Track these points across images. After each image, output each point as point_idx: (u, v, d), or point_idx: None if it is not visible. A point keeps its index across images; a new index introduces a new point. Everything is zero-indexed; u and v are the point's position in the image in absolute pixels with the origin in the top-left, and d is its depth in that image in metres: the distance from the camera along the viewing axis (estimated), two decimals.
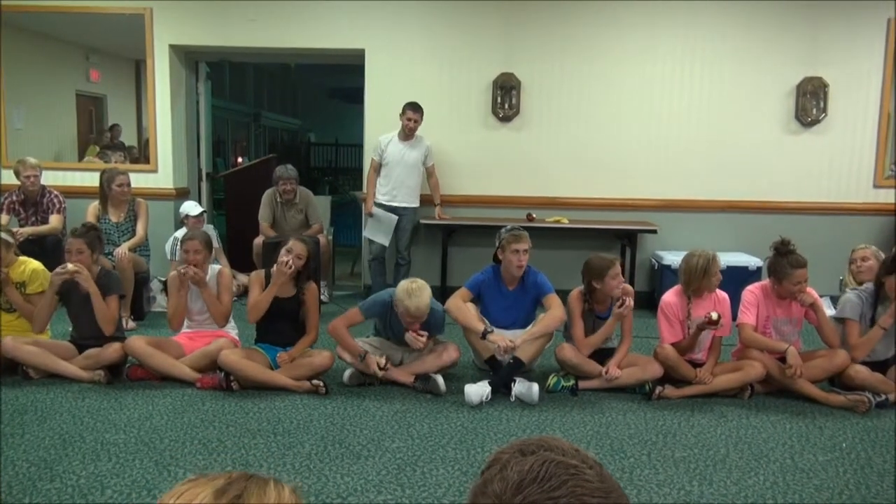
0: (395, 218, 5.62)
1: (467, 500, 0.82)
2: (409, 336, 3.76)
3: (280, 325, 3.90)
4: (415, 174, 5.66)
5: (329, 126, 15.29)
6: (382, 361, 3.77)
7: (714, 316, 3.66)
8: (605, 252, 4.31)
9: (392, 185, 5.65)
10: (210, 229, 5.99)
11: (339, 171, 14.87)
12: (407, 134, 5.59)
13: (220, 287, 4.02)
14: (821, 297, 3.90)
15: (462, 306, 3.96)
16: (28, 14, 5.99)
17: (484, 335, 3.81)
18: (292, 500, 0.79)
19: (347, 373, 3.91)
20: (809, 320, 3.87)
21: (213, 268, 4.07)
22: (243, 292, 5.84)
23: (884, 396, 3.64)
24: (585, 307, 3.89)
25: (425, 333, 3.79)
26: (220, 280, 4.03)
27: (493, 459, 0.82)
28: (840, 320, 3.87)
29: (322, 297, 5.48)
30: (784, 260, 3.75)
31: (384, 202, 5.68)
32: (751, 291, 3.91)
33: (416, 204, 5.75)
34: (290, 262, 3.79)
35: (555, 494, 0.73)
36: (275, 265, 3.85)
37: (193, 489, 0.79)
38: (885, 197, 5.96)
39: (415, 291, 3.64)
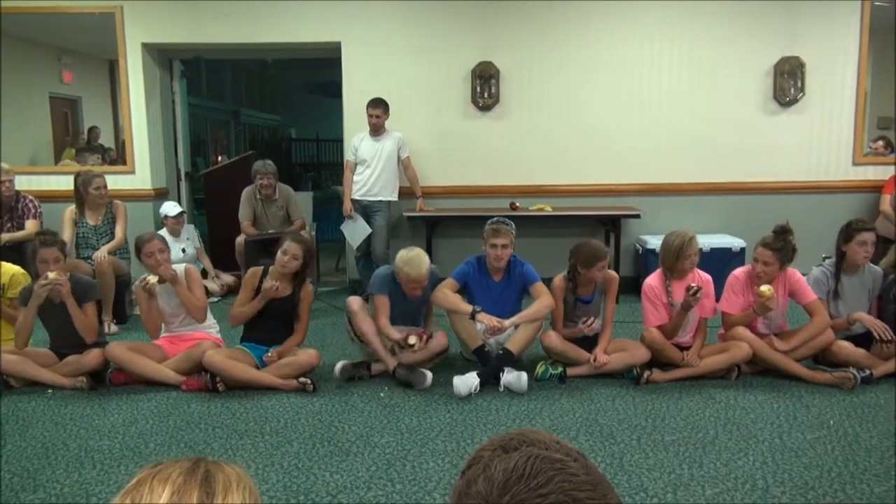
0: (368, 230, 5.64)
1: (451, 501, 0.80)
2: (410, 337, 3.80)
3: (272, 324, 3.87)
4: (390, 167, 5.66)
5: (309, 122, 15.16)
6: (413, 339, 3.78)
7: (693, 287, 3.66)
8: (590, 238, 4.30)
9: (369, 180, 5.64)
10: (191, 229, 5.93)
11: (321, 166, 14.76)
12: (375, 130, 5.60)
13: (190, 282, 3.95)
14: (803, 275, 3.92)
15: (448, 293, 3.96)
16: None
17: (472, 315, 3.81)
18: (243, 474, 0.83)
19: (339, 365, 3.88)
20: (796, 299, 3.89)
21: (179, 267, 3.99)
22: (227, 292, 5.79)
23: (868, 371, 3.67)
24: (569, 286, 3.89)
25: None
26: (189, 276, 3.97)
27: (474, 458, 0.80)
28: None
29: None
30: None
31: (361, 197, 5.67)
32: (735, 277, 3.91)
33: (394, 197, 5.72)
34: (277, 285, 3.79)
35: (543, 491, 0.71)
36: (269, 270, 3.84)
37: (163, 471, 0.79)
38: (864, 174, 6.00)
39: (413, 258, 3.83)
